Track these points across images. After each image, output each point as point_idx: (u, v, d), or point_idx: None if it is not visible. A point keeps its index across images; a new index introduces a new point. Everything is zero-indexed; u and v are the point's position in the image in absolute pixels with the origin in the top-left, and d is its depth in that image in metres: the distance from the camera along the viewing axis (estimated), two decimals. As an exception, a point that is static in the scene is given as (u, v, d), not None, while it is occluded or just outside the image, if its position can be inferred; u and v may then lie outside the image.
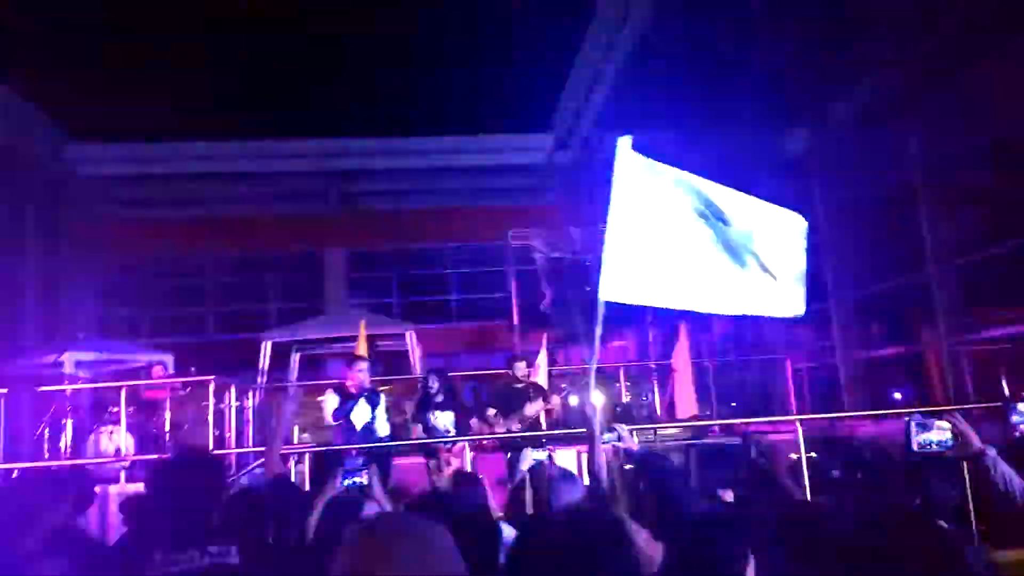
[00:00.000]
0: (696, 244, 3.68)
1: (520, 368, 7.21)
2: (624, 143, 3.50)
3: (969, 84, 8.34)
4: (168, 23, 19.22)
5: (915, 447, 2.51)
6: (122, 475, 7.55)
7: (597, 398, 7.57)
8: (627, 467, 5.32)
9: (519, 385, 7.12)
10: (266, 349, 13.23)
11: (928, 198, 8.80)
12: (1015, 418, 2.68)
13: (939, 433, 2.48)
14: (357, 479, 3.53)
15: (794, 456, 4.02)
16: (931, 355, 9.96)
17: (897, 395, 10.42)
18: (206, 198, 24.09)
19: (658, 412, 10.40)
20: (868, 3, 9.67)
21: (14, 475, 6.39)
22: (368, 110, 22.13)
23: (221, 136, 23.26)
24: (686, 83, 15.01)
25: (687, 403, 9.75)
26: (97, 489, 4.81)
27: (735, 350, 13.90)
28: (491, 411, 7.00)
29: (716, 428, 9.22)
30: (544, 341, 10.20)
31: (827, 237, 10.57)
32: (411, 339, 13.27)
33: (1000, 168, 8.94)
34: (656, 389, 11.07)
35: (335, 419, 6.33)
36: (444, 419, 6.73)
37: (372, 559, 1.07)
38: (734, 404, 12.29)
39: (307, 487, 5.79)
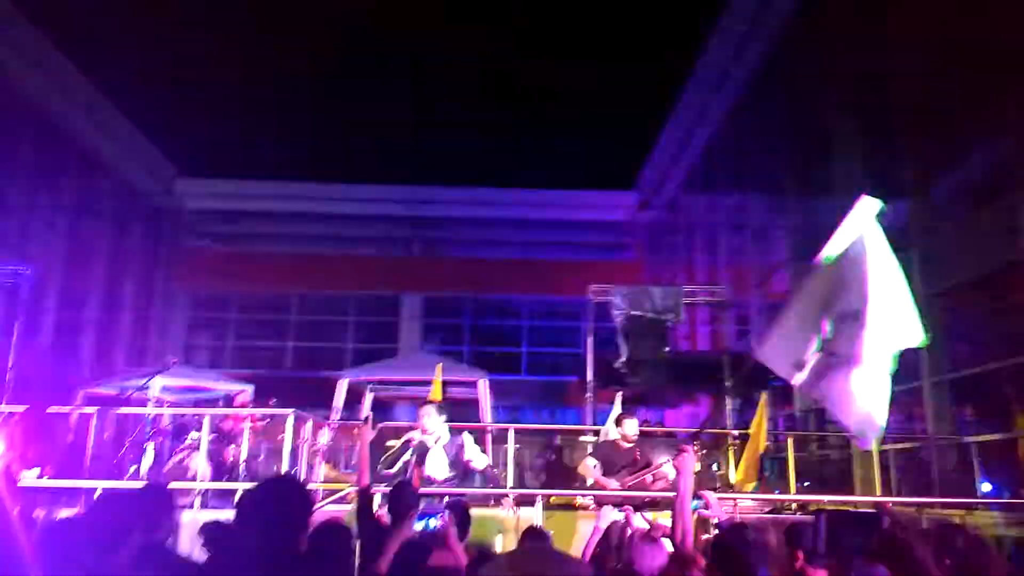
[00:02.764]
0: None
1: (631, 426, 6.90)
2: (868, 203, 3.46)
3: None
4: (277, 70, 20.31)
5: None
6: (196, 501, 7.72)
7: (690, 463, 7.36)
8: (707, 536, 5.13)
9: (628, 445, 6.87)
10: (342, 387, 13.42)
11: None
12: None
13: None
14: (433, 521, 3.50)
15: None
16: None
17: (987, 486, 9.78)
18: (296, 236, 25.00)
19: (731, 482, 10.02)
20: (977, 76, 9.42)
21: (97, 493, 6.59)
22: (458, 161, 22.75)
23: (317, 178, 24.23)
24: (778, 151, 14.88)
25: (750, 476, 9.38)
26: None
27: (817, 425, 13.37)
28: (593, 463, 6.77)
29: (793, 506, 8.84)
30: (618, 399, 10.03)
31: (924, 314, 10.13)
32: (483, 387, 13.25)
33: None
34: (731, 458, 10.70)
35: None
36: None
37: None
38: (807, 483, 11.78)
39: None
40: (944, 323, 10.39)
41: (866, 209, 3.52)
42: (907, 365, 10.91)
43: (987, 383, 10.13)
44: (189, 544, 5.49)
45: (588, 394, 13.70)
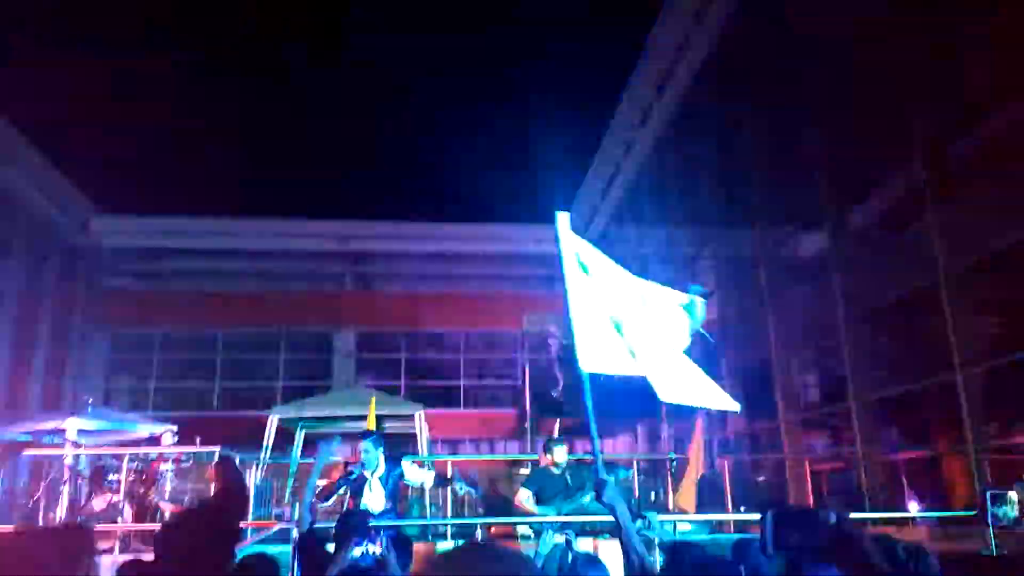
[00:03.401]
0: (644, 326, 3.66)
1: (559, 453, 6.86)
2: (563, 218, 3.49)
3: (992, 189, 8.42)
4: (195, 107, 19.93)
5: (990, 519, 2.39)
6: (116, 545, 7.30)
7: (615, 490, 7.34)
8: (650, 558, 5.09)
9: (558, 472, 6.88)
10: (272, 424, 13.00)
11: (951, 302, 8.74)
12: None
13: (1013, 507, 2.36)
14: (371, 548, 3.37)
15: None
16: (950, 460, 9.71)
17: (914, 504, 10.07)
18: (221, 273, 24.35)
19: (670, 508, 10.07)
20: (889, 109, 9.90)
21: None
22: (387, 195, 22.70)
23: (240, 213, 23.73)
24: (704, 183, 15.31)
25: (687, 501, 9.46)
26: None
27: (750, 450, 13.61)
28: (525, 493, 6.70)
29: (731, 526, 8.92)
30: (555, 429, 10.01)
31: (848, 338, 10.48)
32: (420, 420, 13.03)
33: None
34: (669, 484, 10.77)
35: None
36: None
37: None
38: (743, 508, 11.92)
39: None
40: (869, 346, 10.74)
41: (563, 223, 3.58)
42: (836, 387, 11.17)
43: (911, 403, 10.49)
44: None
45: (526, 425, 13.66)
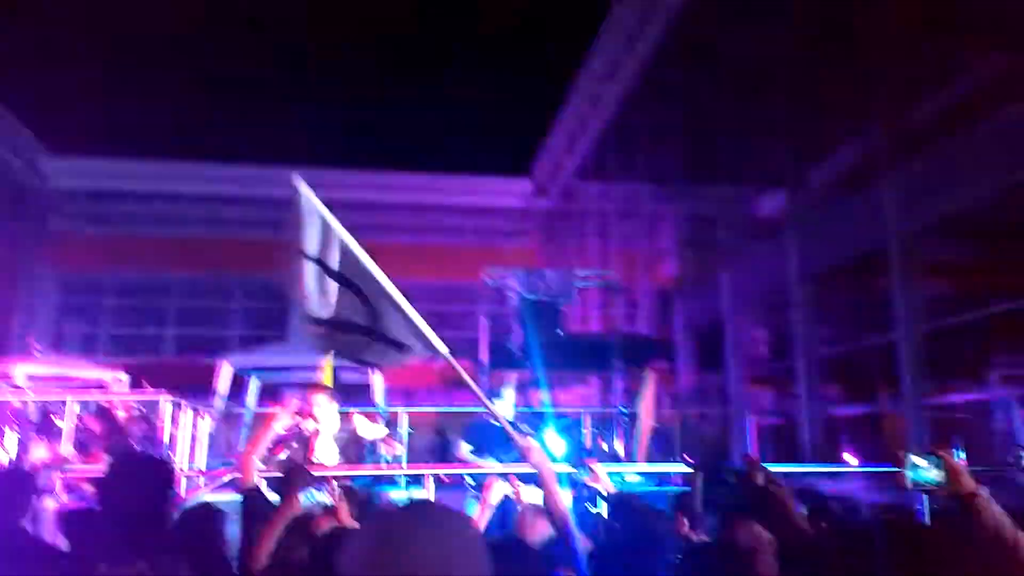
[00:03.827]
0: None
1: (499, 405, 7.06)
2: (301, 181, 3.46)
3: (944, 154, 8.58)
4: (150, 42, 19.20)
5: (909, 485, 2.47)
6: (58, 486, 7.24)
7: (556, 443, 7.46)
8: (592, 509, 5.21)
9: (494, 423, 6.98)
10: (225, 372, 12.90)
11: (898, 265, 8.95)
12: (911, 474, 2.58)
13: (934, 472, 2.43)
14: (320, 495, 3.39)
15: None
16: (890, 417, 10.07)
17: (851, 458, 10.43)
18: (174, 219, 23.81)
19: (621, 459, 10.28)
20: (851, 71, 9.97)
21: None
22: (347, 141, 22.25)
23: (194, 157, 23.11)
24: (668, 140, 15.31)
25: (640, 452, 9.66)
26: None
27: (699, 404, 13.92)
28: (465, 446, 6.86)
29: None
30: (512, 381, 10.08)
31: (799, 297, 10.71)
32: (374, 372, 13.03)
33: (967, 238, 9.18)
34: (619, 436, 10.98)
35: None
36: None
37: (387, 552, 0.97)
38: (691, 459, 12.20)
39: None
40: (816, 305, 10.99)
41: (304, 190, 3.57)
42: (782, 345, 11.43)
43: (854, 362, 10.81)
44: (51, 534, 5.12)
45: (482, 376, 13.73)
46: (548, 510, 3.01)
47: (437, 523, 1.02)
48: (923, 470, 2.39)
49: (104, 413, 8.90)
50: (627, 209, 18.02)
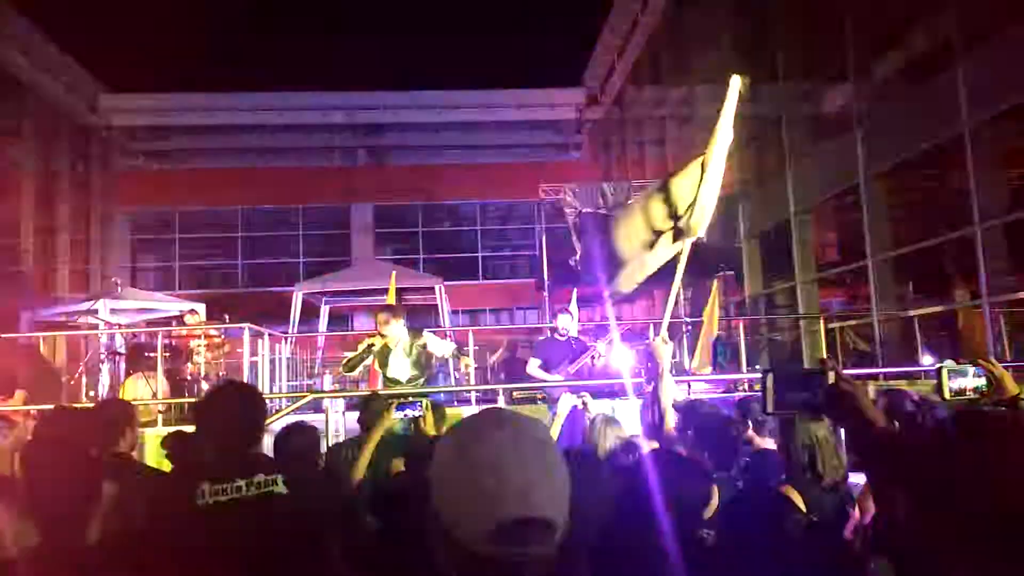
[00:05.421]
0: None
1: (563, 320, 7.19)
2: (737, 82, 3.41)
3: (1018, 40, 8.02)
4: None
5: (949, 394, 2.45)
6: (159, 419, 7.69)
7: (622, 356, 7.55)
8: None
9: (562, 339, 7.13)
10: (296, 301, 13.31)
11: (973, 156, 8.53)
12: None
13: (974, 380, 2.41)
14: (410, 412, 3.54)
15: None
16: (968, 314, 9.80)
17: (928, 358, 10.23)
18: (236, 151, 24.19)
19: (688, 368, 10.35)
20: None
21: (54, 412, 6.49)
22: (397, 64, 22.03)
23: (253, 87, 23.26)
24: (723, 37, 14.67)
25: (702, 362, 9.68)
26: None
27: (766, 310, 13.77)
28: (533, 363, 7.04)
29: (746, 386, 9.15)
30: (573, 296, 10.15)
31: (867, 195, 10.34)
32: (440, 292, 13.27)
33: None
34: (686, 346, 11.02)
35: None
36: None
37: (467, 452, 1.04)
38: (757, 367, 12.21)
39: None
40: (888, 202, 10.61)
41: (734, 89, 3.47)
42: (852, 245, 11.14)
43: (928, 259, 10.48)
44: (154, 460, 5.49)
45: (544, 293, 13.83)
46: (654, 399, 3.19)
47: (511, 424, 1.09)
48: (963, 379, 2.35)
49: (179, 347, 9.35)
50: (683, 113, 17.49)
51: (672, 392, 3.31)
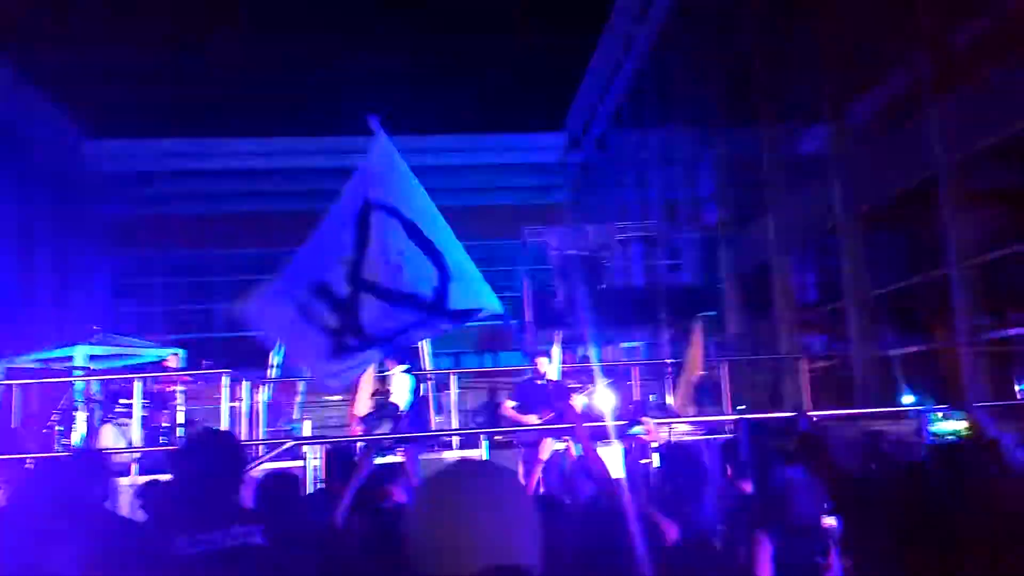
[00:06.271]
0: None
1: (543, 364, 7.17)
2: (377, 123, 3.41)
3: (990, 81, 8.26)
4: (187, 24, 19.30)
5: (931, 437, 2.50)
6: (133, 467, 7.54)
7: (605, 398, 7.52)
8: (643, 460, 5.27)
9: (540, 382, 7.11)
10: (278, 345, 13.18)
11: (948, 196, 8.70)
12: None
13: (954, 424, 2.46)
14: (391, 456, 3.51)
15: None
16: (947, 354, 9.87)
17: (909, 398, 10.29)
18: (217, 195, 24.21)
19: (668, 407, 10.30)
20: (888, 3, 9.60)
21: (27, 465, 6.35)
22: (382, 108, 22.19)
23: (234, 133, 23.36)
24: (703, 81, 14.98)
25: (684, 403, 9.66)
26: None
27: (749, 350, 13.82)
28: (511, 404, 6.98)
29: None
30: (558, 339, 10.15)
31: (845, 237, 10.50)
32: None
33: (1019, 163, 8.85)
34: (670, 387, 10.99)
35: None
36: None
37: (442, 513, 1.05)
38: (743, 407, 12.20)
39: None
40: (865, 243, 10.77)
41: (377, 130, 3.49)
42: (831, 286, 11.24)
43: (907, 299, 10.60)
44: (128, 509, 5.36)
45: (527, 336, 13.82)
46: (587, 466, 3.10)
47: (484, 475, 1.11)
48: (943, 421, 2.40)
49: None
50: (665, 156, 17.75)
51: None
